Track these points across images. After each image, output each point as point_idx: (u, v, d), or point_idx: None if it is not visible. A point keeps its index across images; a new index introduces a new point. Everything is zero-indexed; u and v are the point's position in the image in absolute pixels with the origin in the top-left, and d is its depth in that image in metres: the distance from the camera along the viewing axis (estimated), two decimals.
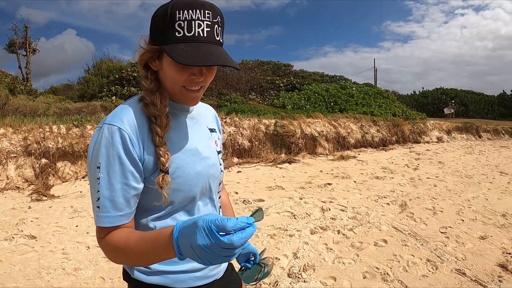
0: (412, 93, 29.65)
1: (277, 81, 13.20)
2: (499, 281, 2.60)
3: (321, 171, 6.38)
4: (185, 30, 0.62)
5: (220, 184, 0.90)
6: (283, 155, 7.06)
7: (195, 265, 0.79)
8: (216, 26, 0.65)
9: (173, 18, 0.62)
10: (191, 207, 0.78)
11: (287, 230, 3.50)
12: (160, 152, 0.67)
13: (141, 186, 0.68)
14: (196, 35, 0.62)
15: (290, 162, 6.47)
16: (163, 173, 0.67)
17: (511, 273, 2.71)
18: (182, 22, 0.61)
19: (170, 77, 0.69)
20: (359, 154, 8.53)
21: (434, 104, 24.85)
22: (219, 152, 0.88)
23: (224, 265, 0.96)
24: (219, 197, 0.92)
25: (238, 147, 6.49)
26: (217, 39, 0.66)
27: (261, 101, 11.30)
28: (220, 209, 0.94)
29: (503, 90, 26.63)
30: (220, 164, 0.87)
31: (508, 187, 5.85)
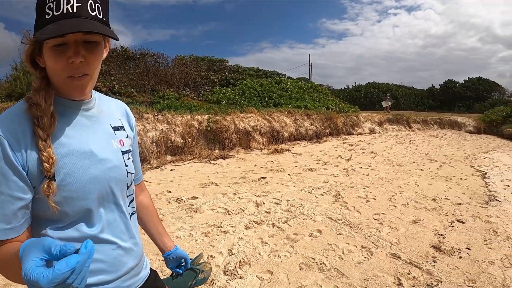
0: (346, 87, 44.84)
1: (211, 77, 18.70)
2: (433, 261, 4.09)
3: (255, 165, 8.69)
4: (54, 10, 0.89)
5: (129, 187, 1.20)
6: (217, 151, 9.94)
7: (103, 277, 1.06)
8: (90, 1, 0.93)
9: (44, 2, 0.90)
10: (91, 216, 1.03)
11: (221, 226, 4.74)
12: (43, 157, 0.90)
13: (29, 196, 0.93)
14: (65, 12, 0.89)
15: (224, 158, 9.21)
16: (48, 180, 0.92)
17: (445, 253, 4.32)
18: (51, 4, 0.89)
19: (51, 68, 0.95)
20: (293, 147, 11.82)
21: (366, 97, 38.25)
22: (125, 152, 1.17)
23: (143, 274, 1.28)
24: (131, 201, 1.23)
25: (171, 144, 9.06)
26: (92, 14, 0.93)
27: (195, 97, 15.90)
28: (133, 215, 1.25)
29: (432, 84, 44.21)
30: (127, 166, 1.16)
31: (437, 173, 8.97)
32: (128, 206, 1.20)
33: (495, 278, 3.91)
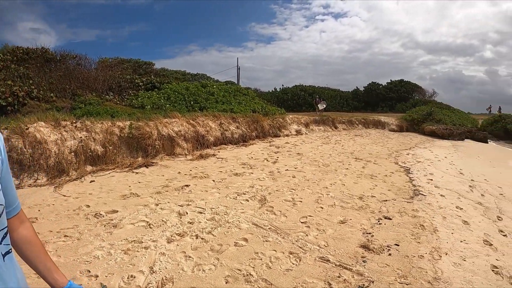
0: (274, 90, 47.16)
1: (136, 80, 18.82)
2: (363, 261, 4.15)
3: (179, 172, 8.54)
4: None
5: None
6: (140, 159, 9.92)
7: None
8: None
9: None
10: None
11: (142, 242, 4.49)
12: None
13: None
14: None
15: (147, 166, 9.20)
16: None
17: (374, 252, 4.40)
18: None
19: None
20: (219, 152, 11.77)
21: (293, 100, 40.44)
22: None
23: None
24: (3, 237, 1.16)
25: (91, 153, 8.90)
26: None
27: (119, 102, 15.82)
28: (8, 255, 1.17)
29: (357, 87, 48.36)
30: None
31: (363, 171, 9.36)
32: (0, 243, 1.10)
33: (426, 272, 4.03)
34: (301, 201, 6.37)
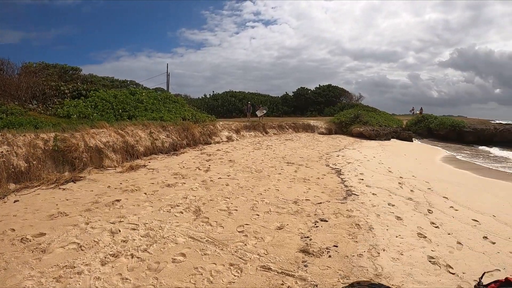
0: (204, 96, 47.40)
1: (62, 87, 17.98)
2: (305, 266, 4.22)
3: (109, 186, 8.15)
4: None
5: None
6: (66, 173, 9.37)
7: None
8: None
9: None
10: None
11: (74, 267, 4.18)
12: None
13: None
14: None
15: (75, 181, 8.74)
16: None
17: (314, 255, 4.50)
18: None
19: None
20: (149, 162, 11.46)
21: (224, 106, 40.79)
22: None
23: None
24: None
25: (13, 170, 8.37)
26: None
27: (43, 111, 15.19)
28: None
29: (286, 92, 50.07)
30: None
31: (295, 175, 9.56)
32: None
33: (367, 270, 4.20)
34: (236, 210, 6.34)
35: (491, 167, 16.00)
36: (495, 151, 24.73)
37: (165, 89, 39.89)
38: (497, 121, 43.14)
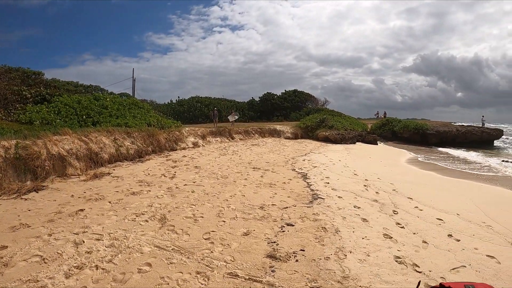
0: (170, 101, 47.97)
1: (24, 92, 17.74)
2: (272, 271, 4.23)
3: (72, 196, 7.90)
4: None
5: None
6: (28, 182, 9.13)
7: None
8: None
9: None
10: None
11: (38, 281, 4.01)
12: None
13: None
14: None
15: (37, 190, 8.53)
16: None
17: (281, 260, 4.51)
18: None
19: None
20: (114, 170, 11.17)
21: (190, 111, 41.02)
22: None
23: None
24: None
25: None
26: None
27: (4, 117, 14.99)
28: None
29: (252, 97, 51.30)
30: None
31: (262, 180, 9.59)
32: None
33: (334, 272, 4.24)
34: (202, 217, 6.28)
35: (454, 167, 16.62)
36: (457, 152, 25.79)
37: (131, 94, 39.60)
38: (459, 123, 44.97)
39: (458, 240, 5.49)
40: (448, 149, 28.33)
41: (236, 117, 28.16)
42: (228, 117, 27.76)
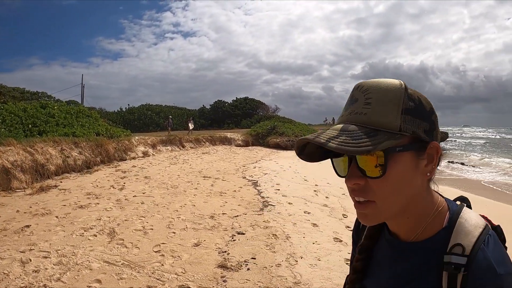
0: (120, 109, 46.22)
1: None
2: (224, 281, 4.23)
3: (17, 211, 7.50)
4: None
5: None
6: None
7: None
8: None
9: None
10: None
11: None
12: None
13: None
14: None
15: None
16: None
17: (233, 270, 4.52)
18: None
19: None
20: (61, 182, 10.75)
21: (140, 119, 40.39)
22: None
23: None
24: None
25: None
26: None
27: None
28: None
29: (203, 105, 51.37)
30: None
31: (212, 189, 9.56)
32: None
33: (286, 279, 4.30)
34: (152, 229, 6.17)
35: None
36: None
37: (79, 101, 38.69)
38: None
39: None
40: None
41: (193, 125, 28.11)
42: (189, 125, 27.68)
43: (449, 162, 22.30)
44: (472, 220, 0.87)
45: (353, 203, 0.89)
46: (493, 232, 0.85)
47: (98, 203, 8.04)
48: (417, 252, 0.90)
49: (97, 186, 10.22)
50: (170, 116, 32.36)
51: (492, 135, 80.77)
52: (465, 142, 51.32)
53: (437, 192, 0.95)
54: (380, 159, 0.82)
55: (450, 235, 0.85)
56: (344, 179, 0.88)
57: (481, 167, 20.52)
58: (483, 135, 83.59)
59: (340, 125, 0.86)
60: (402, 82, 0.87)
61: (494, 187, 13.35)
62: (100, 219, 6.78)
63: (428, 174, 0.88)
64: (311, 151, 0.98)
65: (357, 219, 1.17)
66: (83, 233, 5.99)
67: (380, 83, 0.87)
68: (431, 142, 0.86)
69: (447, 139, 41.69)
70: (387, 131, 0.81)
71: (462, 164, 21.58)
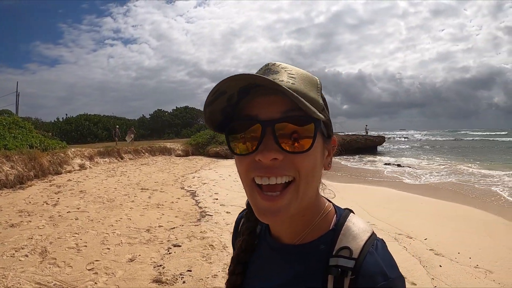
0: (56, 120, 43.96)
1: None
2: None
3: None
4: None
5: None
6: None
7: None
8: None
9: None
10: None
11: None
12: None
13: None
14: None
15: None
16: None
17: (168, 283, 4.45)
18: None
19: None
20: None
21: (78, 130, 38.53)
22: None
23: None
24: None
25: None
26: None
27: None
28: None
29: (143, 114, 50.56)
30: None
31: (149, 201, 9.35)
32: None
33: None
34: (86, 246, 5.90)
35: (342, 173, 17.95)
36: (344, 158, 28.07)
37: (13, 111, 36.18)
38: (346, 133, 48.65)
39: None
40: (337, 157, 30.63)
41: (132, 135, 27.25)
42: (126, 138, 26.73)
43: (385, 164, 23.36)
44: (359, 224, 0.85)
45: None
46: (381, 238, 0.84)
47: (30, 221, 7.57)
48: (302, 255, 0.86)
49: (29, 202, 9.61)
50: (117, 126, 31.30)
51: (427, 137, 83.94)
52: (402, 145, 53.68)
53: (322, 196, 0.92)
54: (309, 131, 0.76)
55: (337, 238, 0.82)
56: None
57: (416, 167, 21.64)
58: (419, 137, 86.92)
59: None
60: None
61: (429, 185, 14.23)
62: (32, 238, 6.38)
63: (328, 165, 0.87)
64: (215, 109, 0.81)
65: (236, 222, 1.13)
66: (14, 254, 5.60)
67: (297, 68, 0.84)
68: (334, 136, 0.86)
69: (384, 143, 43.82)
70: (315, 105, 0.78)
71: (399, 165, 22.54)
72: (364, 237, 0.81)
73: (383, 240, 0.84)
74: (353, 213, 0.92)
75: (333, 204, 0.92)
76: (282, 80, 0.77)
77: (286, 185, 0.77)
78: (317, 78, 0.85)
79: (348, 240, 0.81)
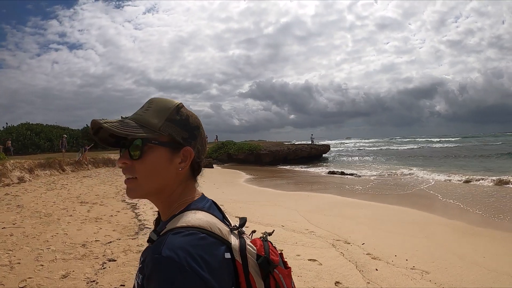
0: None
1: None
2: None
3: None
4: None
5: None
6: None
7: None
8: None
9: None
10: None
11: None
12: None
13: None
14: None
15: None
16: None
17: None
18: None
19: None
20: None
21: (19, 140, 36.10)
22: None
23: None
24: None
25: None
26: None
27: None
28: None
29: (86, 124, 47.86)
30: None
31: (88, 215, 9.01)
32: None
33: None
34: (19, 263, 5.59)
35: (287, 182, 18.27)
36: (291, 167, 28.68)
37: None
38: (291, 142, 49.19)
39: (281, 250, 6.06)
40: (283, 166, 31.12)
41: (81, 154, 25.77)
42: (77, 153, 25.22)
43: (329, 172, 24.05)
44: (189, 217, 1.01)
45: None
46: (198, 233, 0.95)
47: None
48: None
49: None
50: (65, 135, 29.17)
51: (372, 145, 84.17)
52: (347, 153, 54.38)
53: (202, 193, 1.24)
54: (139, 146, 1.06)
55: (170, 221, 1.03)
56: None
57: (359, 174, 22.48)
58: (364, 145, 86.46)
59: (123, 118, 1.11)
60: (179, 103, 1.17)
61: (370, 190, 14.94)
62: None
63: (181, 169, 1.10)
64: (104, 137, 1.18)
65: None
66: None
67: (162, 100, 1.17)
68: (186, 147, 1.11)
69: (329, 151, 44.98)
70: (149, 128, 1.07)
71: (342, 173, 23.29)
72: (178, 224, 0.97)
73: (200, 233, 0.95)
74: (241, 224, 1.19)
75: (202, 199, 1.18)
76: (137, 114, 1.13)
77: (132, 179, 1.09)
78: (174, 105, 1.15)
79: (172, 223, 1.00)
